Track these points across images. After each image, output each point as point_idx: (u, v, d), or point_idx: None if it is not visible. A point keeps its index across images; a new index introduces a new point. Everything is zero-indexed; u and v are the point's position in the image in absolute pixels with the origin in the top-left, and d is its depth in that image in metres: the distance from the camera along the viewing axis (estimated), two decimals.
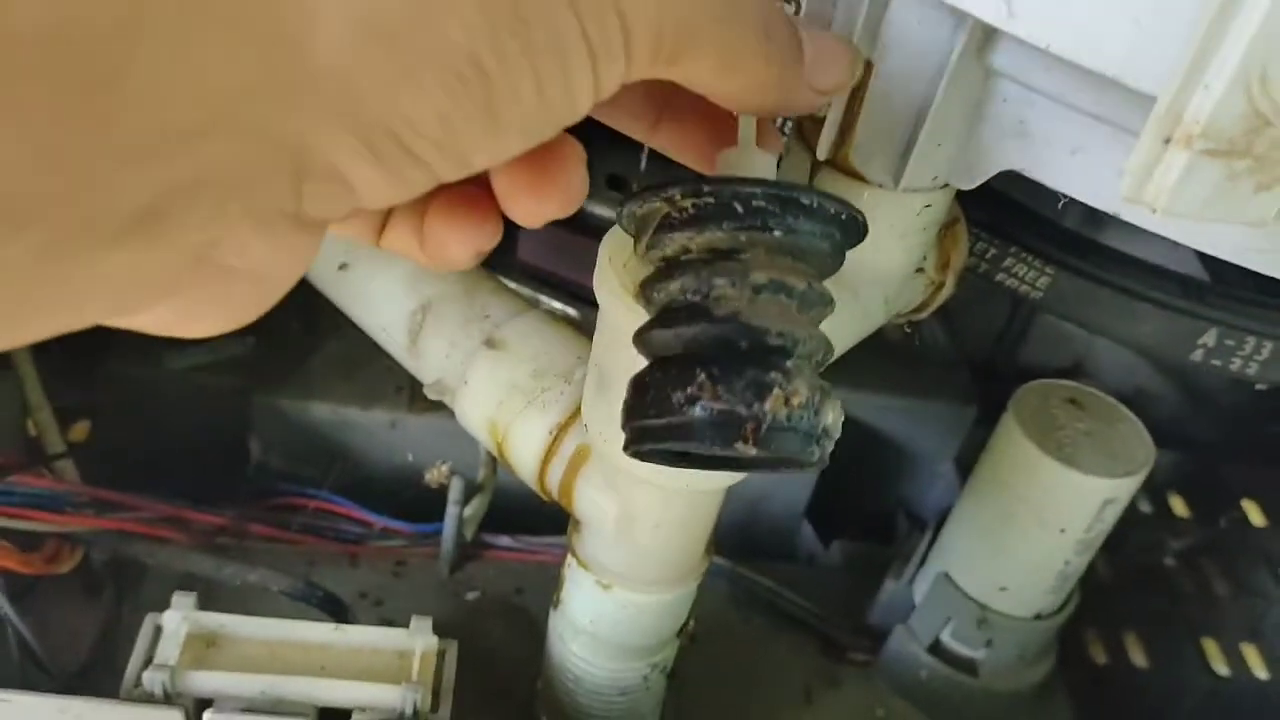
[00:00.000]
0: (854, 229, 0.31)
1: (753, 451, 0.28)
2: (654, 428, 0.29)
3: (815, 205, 0.29)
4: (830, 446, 0.29)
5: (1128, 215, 0.37)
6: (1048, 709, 0.64)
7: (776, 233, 0.29)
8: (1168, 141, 0.26)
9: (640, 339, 0.31)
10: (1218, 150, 0.26)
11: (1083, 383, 0.58)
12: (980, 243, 0.50)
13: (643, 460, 0.30)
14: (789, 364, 0.28)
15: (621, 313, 0.36)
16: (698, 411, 0.28)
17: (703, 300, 0.29)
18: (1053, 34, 0.30)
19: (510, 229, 0.69)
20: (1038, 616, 0.58)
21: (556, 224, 0.73)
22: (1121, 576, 0.71)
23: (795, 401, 0.28)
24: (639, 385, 0.29)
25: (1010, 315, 0.79)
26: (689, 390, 0.28)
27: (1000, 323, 0.80)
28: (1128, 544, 0.70)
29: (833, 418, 0.29)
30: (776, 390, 0.28)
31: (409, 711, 0.47)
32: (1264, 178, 0.27)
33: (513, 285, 0.67)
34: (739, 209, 0.29)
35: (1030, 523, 0.54)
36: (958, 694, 0.61)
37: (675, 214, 0.30)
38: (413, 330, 0.49)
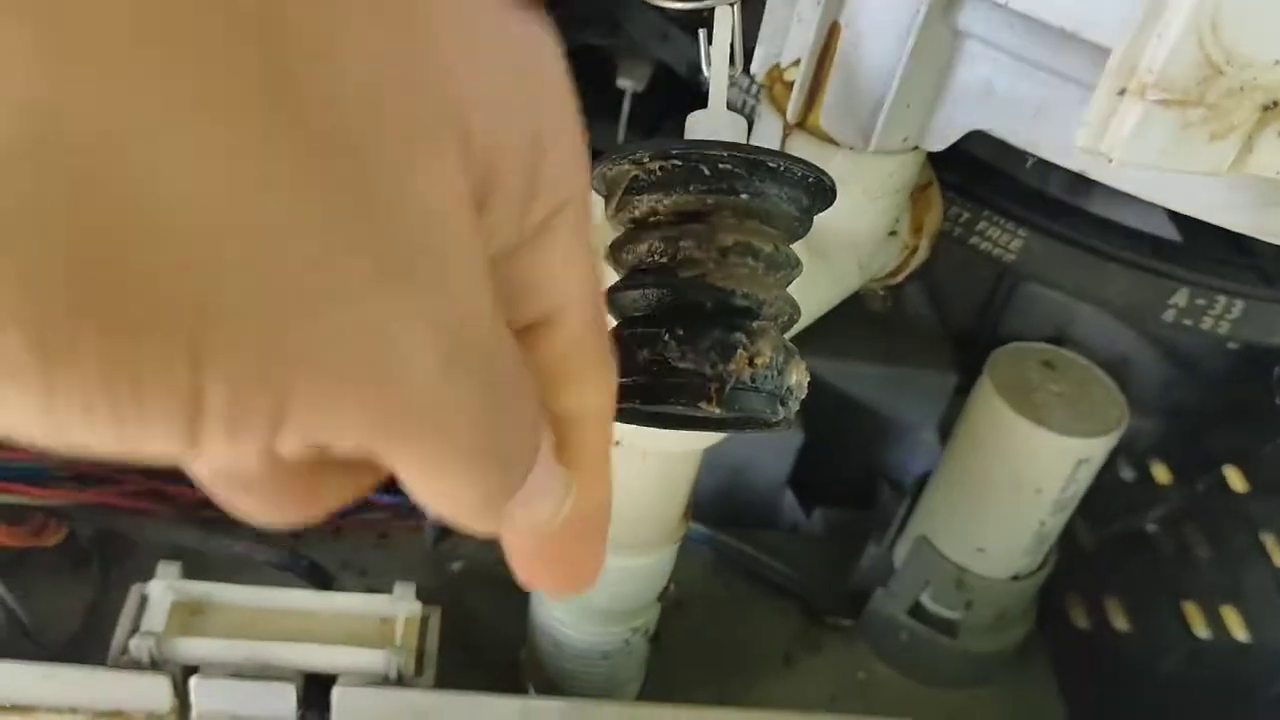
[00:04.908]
0: (822, 192, 0.31)
1: (717, 411, 0.28)
2: (621, 387, 0.29)
3: (782, 169, 0.30)
4: (795, 406, 0.30)
5: (1094, 173, 0.37)
6: (1028, 670, 0.65)
7: (743, 196, 0.29)
8: (1123, 93, 0.27)
9: (609, 300, 0.31)
10: (1171, 100, 0.26)
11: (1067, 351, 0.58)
12: (954, 206, 0.50)
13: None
14: (754, 325, 0.29)
15: None
16: (662, 373, 0.28)
17: (669, 262, 0.29)
18: None
19: None
20: (1015, 578, 0.59)
21: None
22: (1104, 543, 0.72)
23: (759, 362, 0.28)
24: None
25: (994, 284, 0.79)
26: (654, 350, 0.28)
27: (984, 292, 0.80)
28: (1110, 511, 0.71)
29: (796, 378, 0.30)
30: (741, 351, 0.28)
31: (392, 675, 0.47)
32: (1217, 127, 0.27)
33: None
34: (706, 172, 0.29)
35: (1006, 484, 0.55)
36: (938, 655, 0.61)
37: (643, 176, 0.30)
38: None
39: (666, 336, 0.28)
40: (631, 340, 0.29)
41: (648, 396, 0.28)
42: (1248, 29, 0.25)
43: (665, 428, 0.31)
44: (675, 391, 0.28)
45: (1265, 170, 0.28)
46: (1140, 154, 0.27)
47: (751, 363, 0.28)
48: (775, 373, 0.29)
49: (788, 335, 0.31)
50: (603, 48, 0.63)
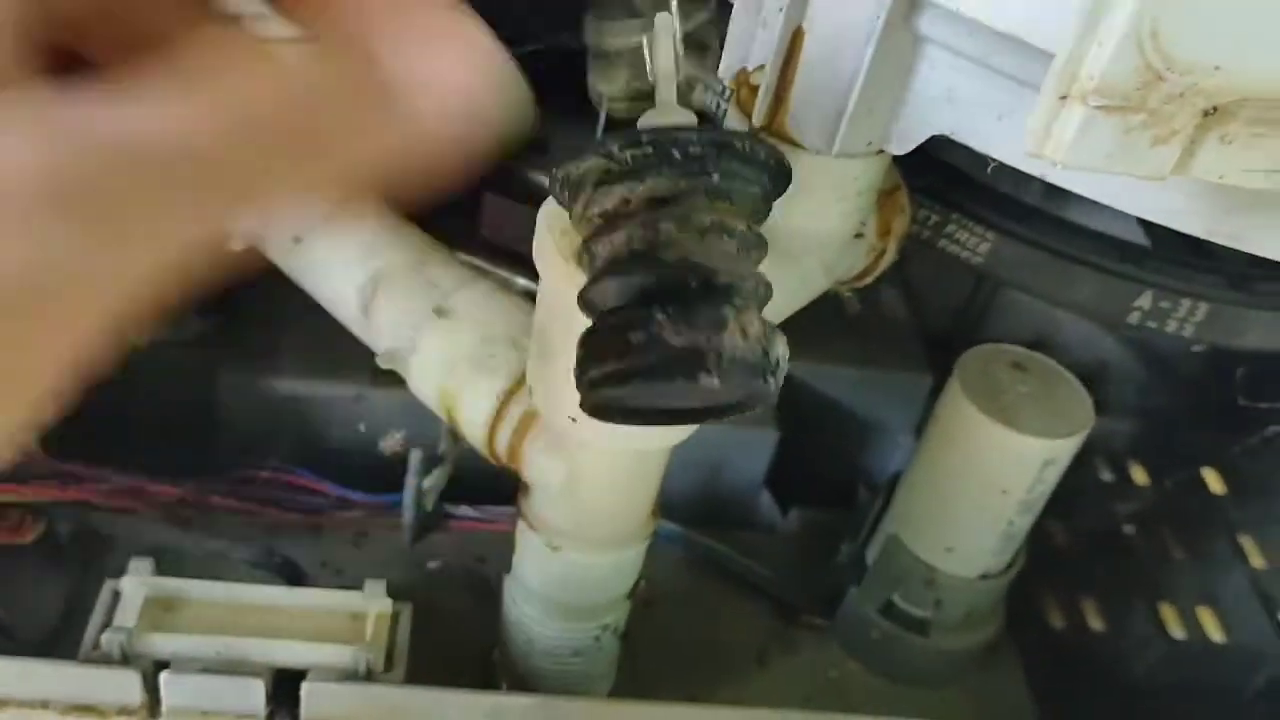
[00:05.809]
0: (781, 176, 0.32)
1: (716, 383, 0.28)
2: (616, 373, 0.29)
3: (748, 149, 0.31)
4: (780, 379, 0.30)
5: (1051, 177, 0.38)
6: (998, 669, 0.66)
7: (715, 177, 0.30)
8: (1065, 98, 0.27)
9: (584, 297, 0.32)
10: (1112, 105, 0.27)
11: (1044, 355, 0.59)
12: (922, 209, 0.51)
13: (600, 414, 0.30)
14: (738, 301, 0.30)
15: (559, 278, 0.37)
16: (660, 350, 0.29)
17: (650, 247, 0.30)
18: None
19: (472, 206, 0.70)
20: (984, 576, 0.59)
21: (518, 199, 0.74)
22: (1080, 543, 0.72)
23: (751, 332, 0.29)
24: (591, 338, 0.30)
25: (974, 288, 0.80)
26: (649, 331, 0.29)
27: (964, 296, 0.81)
28: (1087, 511, 0.71)
29: (781, 349, 0.30)
30: (732, 323, 0.29)
31: (361, 671, 0.48)
32: (1159, 131, 0.28)
33: (478, 261, 0.68)
34: (677, 155, 0.30)
35: (973, 484, 0.55)
36: (909, 654, 0.62)
37: (615, 167, 0.31)
38: (364, 301, 0.50)
39: (660, 316, 0.29)
40: (621, 326, 0.29)
41: (649, 375, 0.29)
42: (1187, 36, 0.26)
43: (649, 423, 0.31)
44: (675, 367, 0.28)
45: (1208, 174, 0.29)
46: (1084, 159, 0.28)
47: (744, 333, 0.29)
48: (766, 343, 0.30)
49: None
50: (578, 51, 0.64)
